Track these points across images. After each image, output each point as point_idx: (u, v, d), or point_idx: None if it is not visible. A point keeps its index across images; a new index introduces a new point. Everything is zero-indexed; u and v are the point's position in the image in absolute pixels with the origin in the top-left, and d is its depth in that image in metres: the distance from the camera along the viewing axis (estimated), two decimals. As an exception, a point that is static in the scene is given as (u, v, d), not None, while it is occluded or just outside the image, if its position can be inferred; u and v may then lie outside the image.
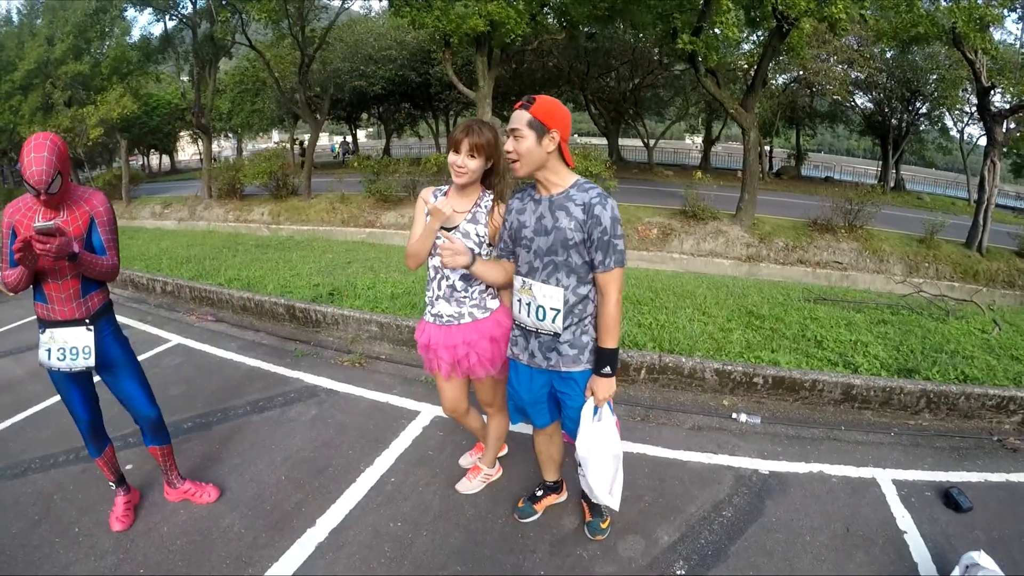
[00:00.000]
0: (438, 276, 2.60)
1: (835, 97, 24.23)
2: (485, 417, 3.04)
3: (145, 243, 12.01)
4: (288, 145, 34.17)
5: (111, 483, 3.04)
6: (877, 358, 4.46)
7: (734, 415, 3.88)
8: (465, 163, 2.40)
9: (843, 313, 5.81)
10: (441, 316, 2.63)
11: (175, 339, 5.89)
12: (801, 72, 22.76)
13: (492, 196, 2.56)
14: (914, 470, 3.32)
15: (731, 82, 19.30)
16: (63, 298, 2.60)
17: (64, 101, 19.38)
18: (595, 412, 2.32)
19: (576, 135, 36.29)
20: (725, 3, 10.30)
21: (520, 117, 2.13)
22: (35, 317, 2.70)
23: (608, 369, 2.25)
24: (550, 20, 15.77)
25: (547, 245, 2.22)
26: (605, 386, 2.27)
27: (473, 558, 2.64)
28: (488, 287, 2.60)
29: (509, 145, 2.17)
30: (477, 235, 2.52)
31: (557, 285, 2.23)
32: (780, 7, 10.45)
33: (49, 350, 2.64)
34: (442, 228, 2.49)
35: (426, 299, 2.71)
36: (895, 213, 15.81)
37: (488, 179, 2.55)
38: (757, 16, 11.44)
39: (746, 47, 18.63)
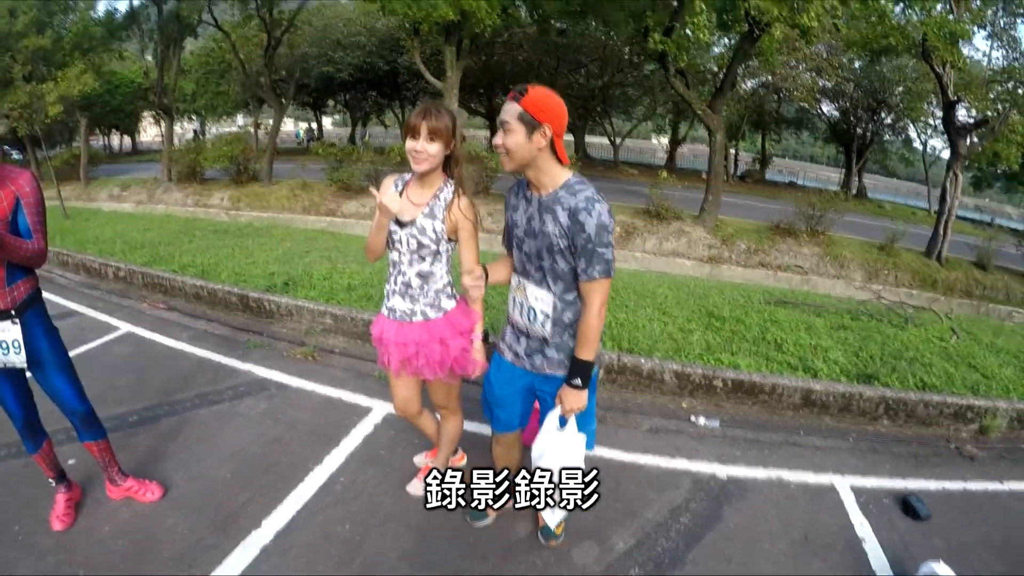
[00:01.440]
0: (395, 271, 2.50)
1: (802, 104, 24.66)
2: (439, 417, 2.94)
3: (100, 226, 11.59)
4: (252, 129, 33.51)
5: (51, 480, 2.88)
6: (837, 363, 4.49)
7: (693, 418, 3.85)
8: (424, 148, 2.26)
9: (803, 317, 5.87)
10: (395, 311, 2.53)
11: (125, 327, 5.67)
12: (770, 77, 23.11)
13: (453, 188, 2.41)
14: (873, 477, 3.34)
15: (700, 84, 19.47)
16: None
17: (23, 76, 18.62)
18: (561, 422, 2.23)
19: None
20: (698, 4, 10.33)
21: (510, 110, 1.99)
22: None
23: (579, 381, 2.15)
24: (522, 13, 15.66)
25: (535, 249, 2.13)
26: (574, 397, 2.17)
27: (423, 562, 2.57)
28: (446, 286, 2.50)
29: (498, 139, 2.04)
30: (434, 231, 2.37)
31: (548, 290, 2.16)
32: (753, 12, 10.53)
33: None
34: (397, 223, 2.39)
35: (384, 291, 2.61)
36: (856, 220, 16.13)
37: (448, 166, 2.42)
38: (729, 20, 11.49)
39: (717, 50, 18.83)
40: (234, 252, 8.12)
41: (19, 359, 2.49)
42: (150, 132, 48.78)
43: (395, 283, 2.51)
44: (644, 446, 3.51)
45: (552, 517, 2.35)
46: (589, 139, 33.31)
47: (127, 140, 45.21)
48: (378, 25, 24.96)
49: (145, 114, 39.05)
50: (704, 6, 10.56)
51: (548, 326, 2.19)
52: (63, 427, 2.97)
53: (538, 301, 2.19)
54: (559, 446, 2.23)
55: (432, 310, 2.50)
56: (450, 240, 2.43)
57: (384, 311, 2.60)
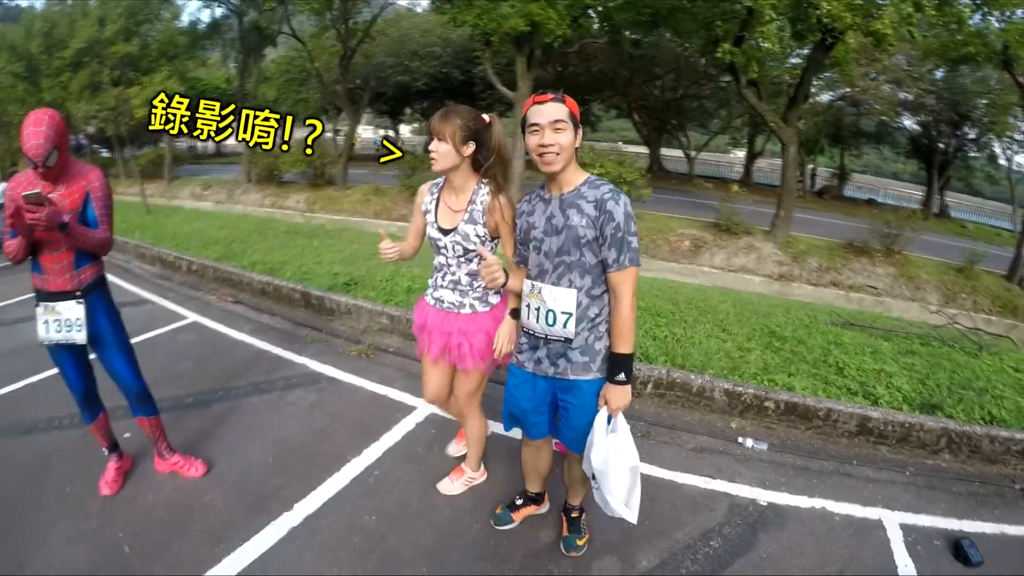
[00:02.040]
0: (442, 271, 2.63)
1: (882, 117, 23.51)
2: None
3: (179, 222, 12.26)
4: (330, 135, 34.76)
5: (104, 449, 3.13)
6: (900, 390, 4.20)
7: (740, 439, 3.69)
8: (435, 147, 2.40)
9: (870, 340, 5.57)
10: (443, 302, 2.66)
11: (192, 317, 6.00)
12: (848, 90, 22.17)
13: (488, 189, 2.49)
14: (925, 515, 3.09)
15: (775, 96, 18.88)
16: (56, 270, 2.68)
17: (112, 80, 20.00)
18: (609, 422, 2.20)
19: (620, 143, 36.08)
20: (767, 13, 10.04)
21: (560, 110, 2.07)
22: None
23: (623, 376, 2.14)
24: (594, 24, 15.61)
25: (558, 245, 2.14)
26: (620, 394, 2.16)
27: (442, 561, 2.59)
28: None
29: (550, 138, 2.06)
30: (477, 235, 2.48)
31: (569, 286, 2.15)
32: (825, 20, 10.15)
33: (46, 323, 2.73)
34: (440, 230, 2.54)
35: (429, 283, 2.73)
36: (936, 240, 15.30)
37: (477, 167, 2.50)
38: (802, 28, 11.12)
39: (793, 60, 18.25)
40: (303, 252, 8.40)
41: (80, 336, 2.73)
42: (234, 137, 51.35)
43: (443, 280, 2.64)
44: (685, 465, 3.39)
45: (628, 513, 2.30)
46: (665, 152, 32.76)
47: (210, 142, 47.72)
48: (453, 36, 25.35)
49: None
50: (774, 15, 10.26)
51: (571, 325, 2.16)
52: (122, 404, 3.16)
53: (557, 302, 2.16)
54: (616, 448, 2.19)
55: (480, 304, 2.63)
56: (493, 239, 2.52)
57: (429, 300, 2.72)
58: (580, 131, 2.12)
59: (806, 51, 13.48)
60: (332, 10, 16.65)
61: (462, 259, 2.56)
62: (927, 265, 12.53)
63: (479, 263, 2.40)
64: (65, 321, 2.72)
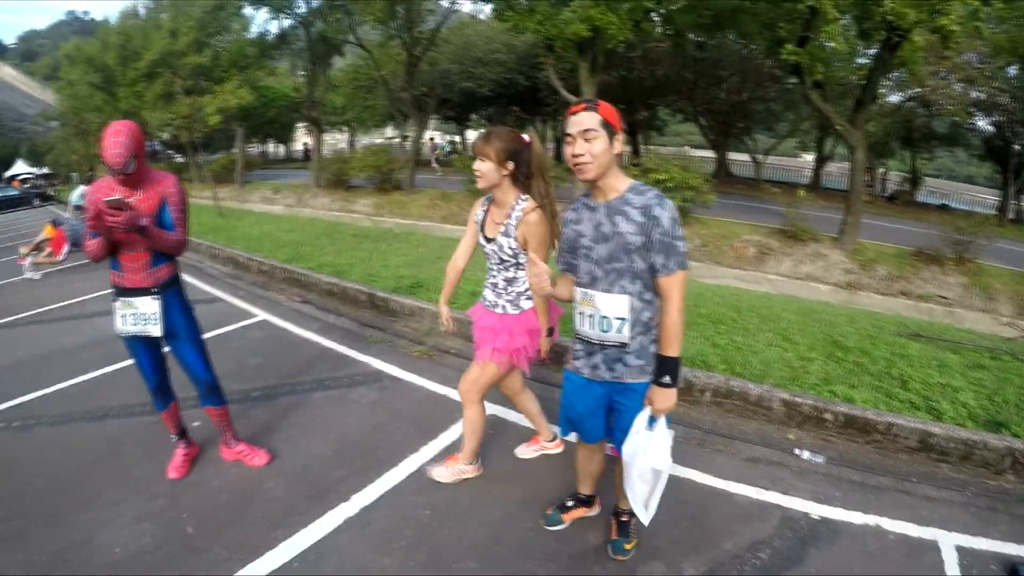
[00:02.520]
0: (488, 274, 2.96)
1: (954, 118, 22.31)
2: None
3: (250, 225, 12.82)
4: (397, 140, 35.57)
5: (173, 436, 3.38)
6: (965, 406, 4.03)
7: (796, 451, 3.62)
8: (477, 166, 2.68)
9: (937, 352, 5.35)
10: (485, 299, 3.00)
11: (262, 315, 6.30)
12: (918, 90, 21.17)
13: (524, 206, 2.72)
14: (983, 538, 2.96)
15: (841, 97, 18.22)
16: (134, 268, 2.91)
17: (185, 90, 21.05)
18: (650, 422, 2.24)
19: (687, 147, 35.54)
20: (831, 13, 9.74)
21: (591, 118, 2.08)
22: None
23: (668, 379, 2.17)
24: (656, 28, 15.48)
25: (608, 252, 2.17)
26: (664, 397, 2.19)
27: (490, 557, 2.66)
28: (527, 289, 2.81)
29: (580, 148, 2.09)
30: (510, 248, 2.76)
31: (622, 292, 2.18)
32: (889, 17, 9.78)
33: (123, 316, 2.96)
34: (485, 239, 2.84)
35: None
36: (1011, 248, 14.36)
37: (518, 182, 2.76)
38: (868, 27, 10.72)
39: (860, 60, 17.56)
40: (370, 255, 8.68)
41: (156, 329, 2.97)
42: (302, 142, 53.19)
43: (488, 282, 2.97)
44: (739, 475, 3.35)
45: (643, 514, 2.34)
46: (732, 156, 32.08)
47: (281, 148, 49.58)
48: (517, 42, 25.49)
49: (298, 125, 42.56)
50: (837, 14, 9.95)
51: (625, 330, 2.20)
52: (192, 394, 3.40)
53: (611, 308, 2.20)
54: (649, 447, 2.23)
55: (511, 307, 2.89)
56: (525, 251, 2.72)
57: (481, 298, 3.06)
58: (618, 137, 2.12)
59: (872, 51, 13.02)
60: (396, 19, 17.00)
61: (500, 266, 2.85)
62: (1001, 274, 11.83)
63: (528, 268, 2.49)
64: (141, 315, 2.95)
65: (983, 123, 23.79)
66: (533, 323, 2.86)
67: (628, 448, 2.26)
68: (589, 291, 2.25)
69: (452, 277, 3.12)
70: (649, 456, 2.23)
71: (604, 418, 2.47)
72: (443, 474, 3.21)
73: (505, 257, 2.78)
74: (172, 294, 3.06)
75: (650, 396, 2.22)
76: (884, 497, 3.23)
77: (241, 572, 2.60)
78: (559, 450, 3.48)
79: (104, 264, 2.97)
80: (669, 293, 2.13)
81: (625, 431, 2.31)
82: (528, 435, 3.61)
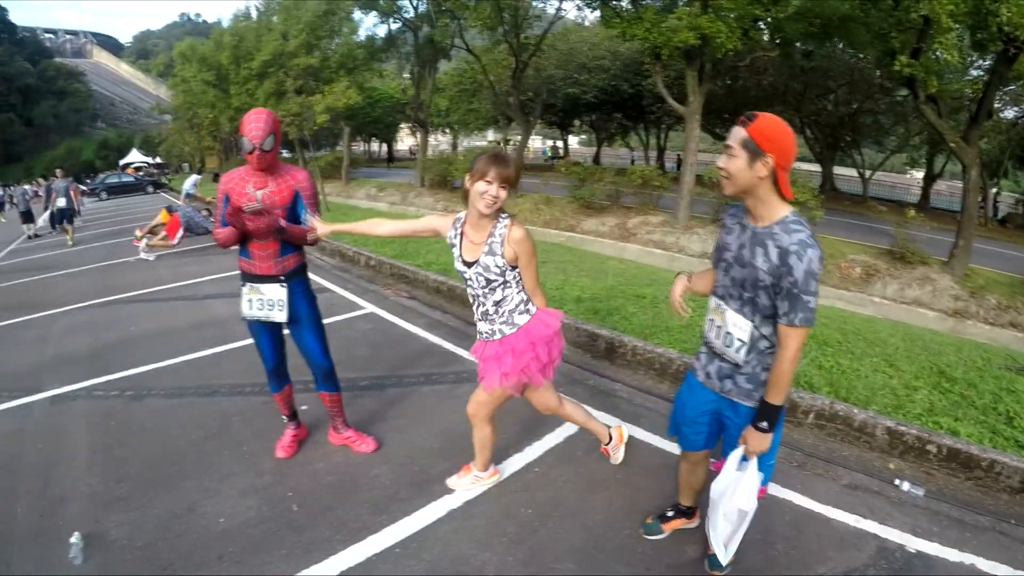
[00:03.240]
0: (475, 303, 2.82)
1: None
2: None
3: (355, 220, 13.34)
4: (501, 144, 36.09)
5: (284, 417, 3.58)
6: None
7: (896, 481, 3.50)
8: (498, 194, 2.52)
9: (1048, 390, 5.04)
10: (482, 333, 2.86)
11: (369, 308, 6.58)
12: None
13: (506, 222, 2.64)
14: None
15: (954, 111, 17.16)
16: (263, 256, 3.11)
17: (295, 89, 22.13)
18: (741, 461, 2.25)
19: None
20: (946, 22, 9.23)
21: (736, 134, 2.01)
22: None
23: (765, 424, 2.14)
24: (764, 36, 15.10)
25: (741, 277, 2.14)
26: (758, 440, 2.17)
27: (588, 560, 2.72)
28: (518, 304, 2.75)
29: (721, 161, 2.06)
30: (497, 266, 2.64)
31: (747, 318, 2.16)
32: (1006, 28, 9.16)
33: (249, 301, 3.18)
34: (464, 263, 2.71)
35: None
36: None
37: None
38: (983, 38, 10.09)
39: (974, 73, 16.47)
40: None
41: (281, 315, 3.18)
42: (406, 142, 54.83)
43: (478, 312, 2.82)
44: (837, 500, 3.29)
45: (722, 553, 2.35)
46: (838, 170, 30.85)
47: (384, 147, 51.34)
48: (622, 49, 25.48)
49: (402, 125, 43.88)
50: (952, 24, 9.41)
51: (743, 353, 2.19)
52: (303, 379, 3.62)
53: (736, 328, 2.19)
54: (736, 487, 2.24)
55: (507, 327, 2.77)
56: (513, 268, 2.67)
57: (477, 335, 2.92)
58: (767, 158, 1.97)
59: (987, 63, 12.23)
60: (503, 25, 17.31)
61: (485, 290, 2.72)
62: (1123, 309, 10.88)
63: (503, 291, 2.69)
64: (267, 301, 3.16)
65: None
66: (534, 333, 2.75)
67: (717, 486, 2.28)
68: (722, 304, 2.25)
69: (365, 227, 3.13)
70: (737, 496, 2.23)
71: (707, 429, 2.47)
72: (459, 483, 3.25)
73: (492, 277, 2.66)
74: (298, 283, 3.25)
75: (745, 436, 2.22)
76: (982, 536, 3.11)
77: (343, 552, 2.73)
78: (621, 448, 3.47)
79: (218, 250, 3.27)
80: (785, 341, 2.06)
81: (734, 447, 2.33)
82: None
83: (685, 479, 2.78)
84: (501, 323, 2.77)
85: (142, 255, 10.54)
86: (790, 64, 20.91)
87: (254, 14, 27.23)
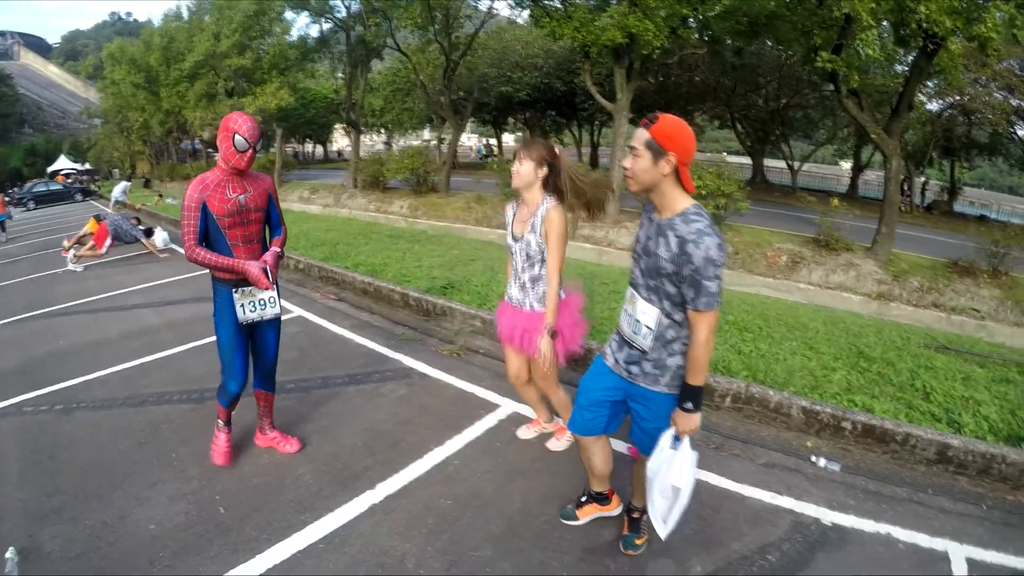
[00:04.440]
0: (515, 275, 3.19)
1: (995, 127, 21.74)
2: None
3: (287, 224, 13.06)
4: (434, 143, 35.90)
5: (222, 422, 3.50)
6: (987, 419, 4.02)
7: (813, 458, 3.63)
8: (515, 168, 2.96)
9: (964, 366, 5.31)
10: (512, 298, 3.22)
11: (297, 311, 6.50)
12: (958, 98, 20.73)
13: (548, 204, 2.96)
14: (996, 551, 2.92)
15: (879, 105, 17.93)
16: (251, 258, 3.13)
17: (226, 90, 21.59)
18: (675, 441, 2.32)
19: (724, 153, 35.20)
20: (866, 20, 9.65)
21: (640, 136, 2.12)
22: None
23: (690, 404, 2.23)
24: (693, 35, 15.45)
25: (648, 267, 2.26)
26: (686, 420, 2.25)
27: (506, 547, 2.78)
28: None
29: (627, 162, 2.17)
30: (536, 244, 2.99)
31: (653, 305, 2.26)
32: (925, 25, 9.65)
33: (243, 306, 3.18)
34: (512, 238, 3.11)
35: (508, 284, 3.28)
36: None
37: (547, 186, 3.02)
38: (905, 34, 10.59)
39: (900, 67, 17.23)
40: (404, 255, 8.86)
41: (275, 311, 3.30)
42: (341, 143, 54.04)
43: (515, 282, 3.19)
44: (754, 479, 3.40)
45: (661, 528, 2.41)
46: (769, 163, 31.80)
47: (319, 149, 50.45)
48: (555, 47, 25.66)
49: (336, 126, 43.22)
50: (872, 21, 9.84)
51: (649, 340, 2.29)
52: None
53: (644, 315, 2.29)
54: (671, 465, 2.30)
55: (539, 304, 3.09)
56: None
57: (506, 297, 3.28)
58: (669, 156, 2.09)
59: (910, 58, 12.82)
60: (434, 24, 17.24)
61: (526, 263, 3.06)
62: (1039, 288, 11.57)
63: (540, 269, 3.04)
64: (260, 301, 3.22)
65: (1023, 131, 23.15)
66: (563, 316, 3.07)
67: (652, 465, 2.35)
68: (634, 293, 2.37)
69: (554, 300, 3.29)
70: (672, 474, 2.30)
71: (608, 412, 2.54)
72: (560, 445, 3.60)
73: (531, 253, 3.01)
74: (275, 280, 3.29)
75: (674, 418, 2.29)
76: (898, 507, 3.23)
77: (269, 550, 2.76)
78: (564, 439, 3.64)
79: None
80: (696, 327, 2.16)
81: (643, 432, 2.43)
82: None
83: (585, 462, 2.83)
84: (535, 299, 3.10)
85: (70, 266, 10.19)
86: (720, 61, 21.46)
87: (185, 14, 26.47)
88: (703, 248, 2.03)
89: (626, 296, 2.43)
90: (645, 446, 2.45)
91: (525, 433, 3.70)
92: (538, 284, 3.07)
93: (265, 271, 3.08)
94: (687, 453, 2.30)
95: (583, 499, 2.99)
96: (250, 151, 2.97)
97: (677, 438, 2.31)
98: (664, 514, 2.38)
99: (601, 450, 2.73)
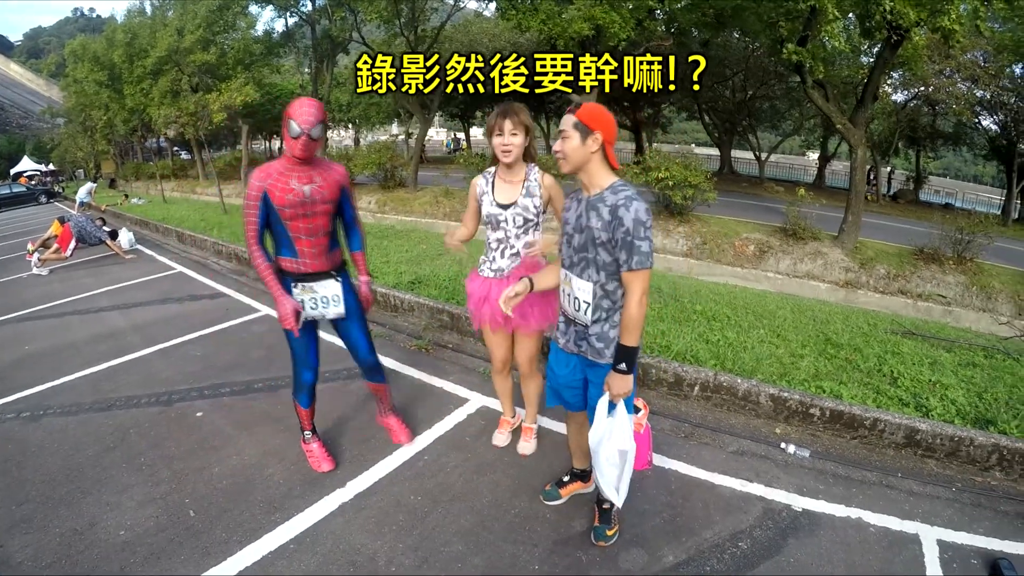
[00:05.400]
0: (500, 246, 3.03)
1: (959, 117, 22.22)
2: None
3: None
4: (402, 138, 35.58)
5: (307, 432, 3.41)
6: (954, 403, 4.08)
7: (782, 445, 3.66)
8: (510, 141, 2.81)
9: (931, 351, 5.40)
10: (502, 271, 3.04)
11: (265, 310, 6.39)
12: (923, 88, 21.15)
13: (537, 169, 2.95)
14: (965, 532, 2.97)
15: (846, 96, 18.22)
16: (314, 253, 3.00)
17: (191, 87, 21.21)
18: (610, 408, 2.37)
19: (692, 145, 35.47)
20: (831, 12, 9.80)
21: (567, 120, 2.30)
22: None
23: (623, 366, 2.30)
24: (659, 26, 15.53)
25: (581, 242, 2.38)
26: (619, 382, 2.31)
27: (476, 541, 2.77)
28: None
29: (557, 145, 2.34)
30: (535, 207, 2.93)
31: (588, 280, 2.38)
32: (890, 17, 9.82)
33: (303, 301, 3.04)
34: (500, 206, 2.95)
35: (482, 261, 3.13)
36: (1014, 247, 14.39)
37: (527, 155, 2.96)
38: (870, 25, 10.77)
39: (865, 59, 17.51)
40: (372, 251, 8.71)
41: (338, 310, 3.12)
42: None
43: (503, 254, 3.03)
44: (724, 467, 3.42)
45: (615, 496, 2.45)
46: (737, 154, 32.14)
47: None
48: (522, 40, 25.62)
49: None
50: (837, 13, 10.00)
51: (589, 313, 2.41)
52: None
53: (581, 291, 2.41)
54: (611, 432, 2.36)
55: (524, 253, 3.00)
56: (543, 211, 2.96)
57: (488, 273, 3.09)
58: (594, 137, 2.28)
59: (876, 49, 13.02)
60: (400, 18, 17.11)
61: (520, 229, 2.97)
62: (1002, 274, 11.85)
63: (533, 233, 2.98)
64: (322, 298, 3.06)
65: (988, 122, 23.67)
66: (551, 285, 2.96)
67: (594, 435, 2.41)
68: (568, 273, 2.48)
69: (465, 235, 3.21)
70: (613, 439, 2.35)
71: (582, 387, 2.64)
72: (530, 446, 3.49)
73: (529, 217, 2.94)
74: (345, 277, 3.16)
75: (608, 381, 2.35)
76: (868, 491, 3.27)
77: (240, 552, 2.72)
78: (532, 439, 3.57)
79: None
80: (630, 287, 2.28)
81: (592, 409, 2.49)
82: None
83: (574, 440, 2.93)
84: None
85: (35, 270, 9.92)
86: (687, 53, 21.58)
87: (148, 9, 25.94)
88: (632, 211, 2.21)
89: (560, 278, 2.55)
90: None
91: (500, 440, 3.60)
92: (530, 249, 2.96)
93: (297, 315, 2.95)
94: (624, 417, 2.36)
95: (566, 478, 3.04)
96: (303, 137, 2.77)
97: (612, 404, 2.36)
98: (615, 482, 2.43)
99: (584, 422, 2.78)
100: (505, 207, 2.94)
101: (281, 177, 2.85)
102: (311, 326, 3.14)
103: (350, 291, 3.17)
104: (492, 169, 3.04)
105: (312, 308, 3.06)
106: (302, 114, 2.75)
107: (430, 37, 18.59)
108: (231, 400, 4.29)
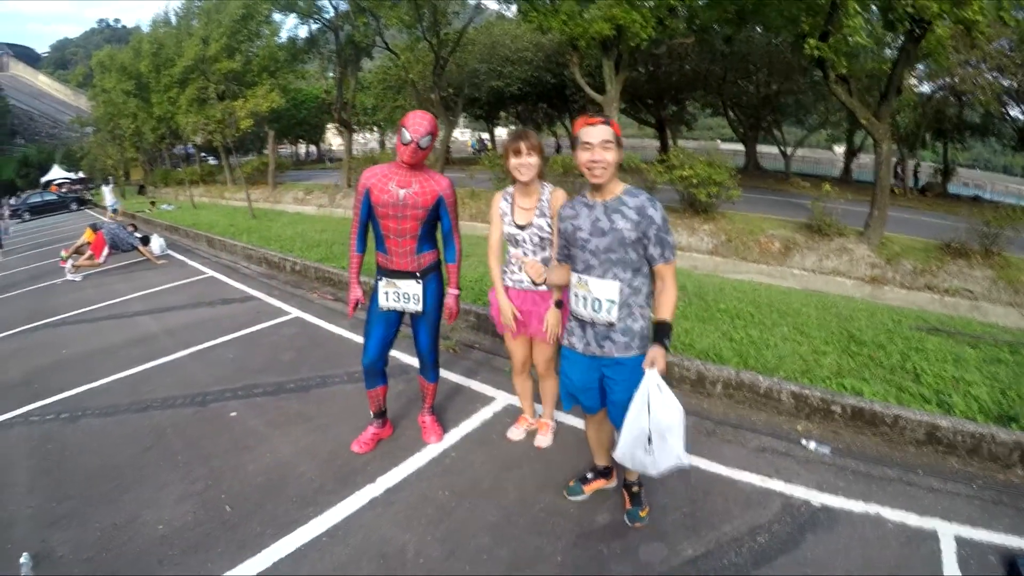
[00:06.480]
0: (520, 262, 3.20)
1: (986, 108, 21.68)
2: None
3: (282, 226, 13.13)
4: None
5: (371, 412, 3.66)
6: (977, 400, 4.03)
7: (803, 442, 3.68)
8: (527, 161, 3.01)
9: (955, 347, 5.34)
10: (523, 282, 3.25)
11: (295, 312, 6.56)
12: (948, 80, 20.71)
13: (550, 188, 3.14)
14: (984, 530, 2.95)
15: (870, 90, 17.94)
16: (401, 253, 3.27)
17: (217, 94, 21.59)
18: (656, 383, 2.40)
19: (718, 140, 35.15)
20: (852, 6, 9.70)
21: (609, 131, 2.44)
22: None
23: (667, 341, 2.45)
24: (680, 24, 15.45)
25: (605, 244, 2.48)
26: (664, 355, 2.42)
27: (502, 534, 2.86)
28: None
29: (599, 155, 2.43)
30: (548, 225, 3.12)
31: (614, 279, 2.48)
32: (911, 10, 9.69)
33: (386, 293, 3.32)
34: (518, 226, 3.17)
35: (505, 271, 3.32)
36: None
37: (541, 175, 3.15)
38: (893, 19, 10.61)
39: (889, 52, 17.19)
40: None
41: (416, 307, 3.36)
42: (334, 142, 54.00)
43: (521, 268, 3.22)
44: (745, 463, 3.45)
45: (686, 458, 2.48)
46: (763, 149, 31.77)
47: (312, 149, 50.34)
48: (544, 40, 25.57)
49: (329, 126, 43.16)
50: (858, 7, 9.89)
51: (614, 312, 2.50)
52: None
53: (604, 291, 2.50)
54: (669, 403, 2.39)
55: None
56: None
57: (509, 283, 3.31)
58: (622, 150, 2.49)
59: (898, 42, 12.82)
60: (422, 22, 17.26)
61: (538, 247, 3.18)
62: (1030, 268, 11.60)
63: (548, 251, 3.14)
64: (403, 294, 3.31)
65: (1016, 112, 23.10)
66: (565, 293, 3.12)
67: (666, 413, 2.38)
68: (584, 276, 2.55)
69: (497, 264, 3.39)
70: (675, 409, 2.41)
71: (598, 389, 2.72)
72: (547, 440, 3.64)
73: (544, 235, 3.14)
74: (432, 279, 3.38)
75: (653, 357, 2.40)
76: (888, 487, 3.26)
77: (274, 545, 2.84)
78: (549, 433, 3.70)
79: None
80: (666, 277, 2.48)
81: (615, 404, 2.58)
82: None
83: (594, 439, 3.04)
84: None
85: (69, 276, 10.23)
86: (710, 49, 21.48)
87: (173, 19, 26.44)
88: (659, 209, 2.46)
89: (572, 283, 2.62)
90: (619, 416, 2.55)
91: (515, 434, 3.74)
92: (550, 264, 3.16)
93: (357, 304, 3.38)
94: (666, 387, 2.41)
95: (589, 475, 3.14)
96: (412, 145, 3.02)
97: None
98: (683, 446, 2.46)
99: (607, 425, 2.89)
100: (522, 228, 3.16)
101: (384, 178, 3.15)
102: (388, 319, 3.39)
103: (433, 295, 3.37)
104: (510, 189, 3.25)
105: (394, 300, 3.32)
106: (414, 125, 3.02)
107: (452, 40, 18.71)
108: (264, 400, 4.43)
